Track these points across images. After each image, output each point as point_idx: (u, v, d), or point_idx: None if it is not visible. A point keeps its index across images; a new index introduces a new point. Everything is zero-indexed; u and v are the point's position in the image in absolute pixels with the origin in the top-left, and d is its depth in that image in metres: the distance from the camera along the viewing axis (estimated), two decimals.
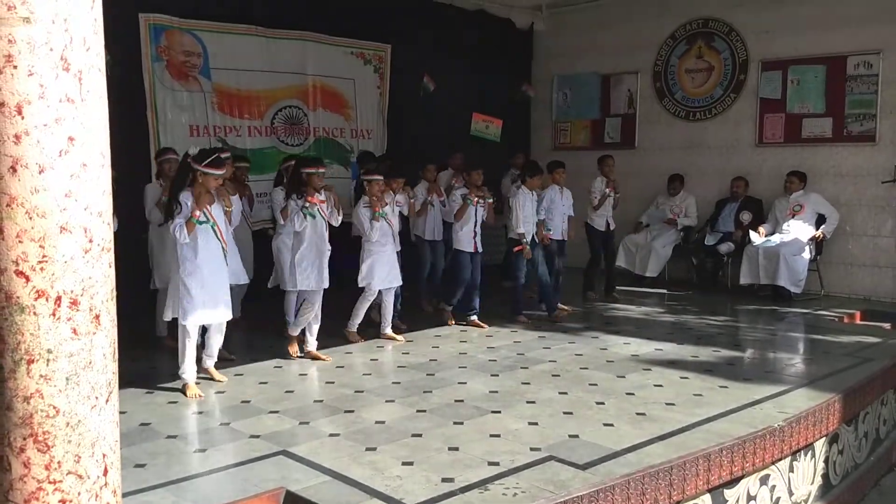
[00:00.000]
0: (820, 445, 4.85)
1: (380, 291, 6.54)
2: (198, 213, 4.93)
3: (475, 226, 7.16)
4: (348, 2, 8.76)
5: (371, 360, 6.03)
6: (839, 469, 5.15)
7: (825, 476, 4.98)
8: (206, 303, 5.04)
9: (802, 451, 4.66)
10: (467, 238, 7.16)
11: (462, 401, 4.94)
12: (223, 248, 5.18)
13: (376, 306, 6.79)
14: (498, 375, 5.55)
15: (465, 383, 5.36)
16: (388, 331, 6.66)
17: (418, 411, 4.73)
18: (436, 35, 9.48)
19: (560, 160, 8.23)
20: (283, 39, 8.37)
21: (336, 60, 8.89)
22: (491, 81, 10.14)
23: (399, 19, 9.21)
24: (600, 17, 10.49)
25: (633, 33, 10.20)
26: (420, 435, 4.29)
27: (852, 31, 8.50)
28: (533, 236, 7.42)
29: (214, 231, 5.10)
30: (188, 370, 5.09)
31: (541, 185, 7.55)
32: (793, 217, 8.54)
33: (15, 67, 2.08)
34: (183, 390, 5.06)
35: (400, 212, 6.91)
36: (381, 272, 6.44)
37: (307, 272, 5.90)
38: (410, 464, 3.87)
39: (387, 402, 4.94)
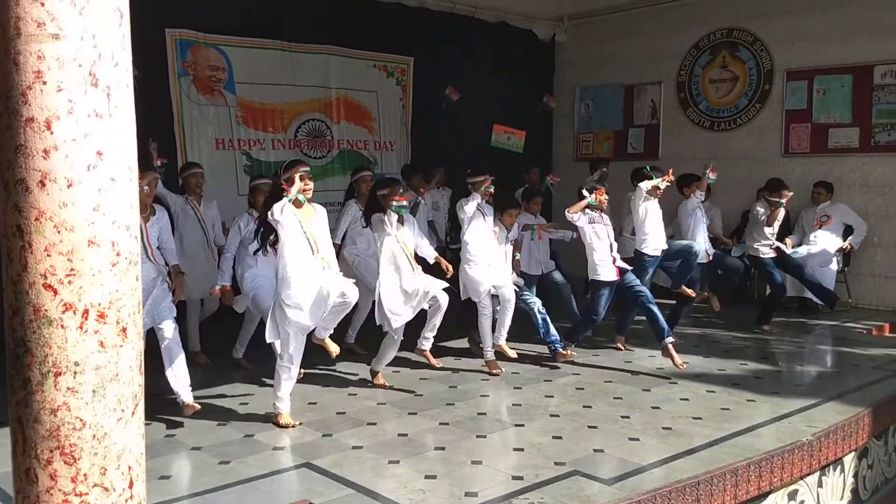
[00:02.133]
0: (849, 460, 4.77)
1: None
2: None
3: (612, 250, 6.06)
4: (370, 15, 8.82)
5: (393, 372, 6.01)
6: (869, 484, 5.06)
7: (854, 491, 4.89)
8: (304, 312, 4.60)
9: (831, 466, 4.58)
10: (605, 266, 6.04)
11: (485, 414, 4.92)
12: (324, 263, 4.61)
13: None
14: (521, 388, 5.51)
15: (488, 396, 5.33)
16: (502, 344, 6.07)
17: (441, 424, 4.71)
18: (458, 47, 9.50)
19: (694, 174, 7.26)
20: (307, 53, 8.44)
21: (359, 73, 8.94)
22: (513, 93, 10.14)
23: (421, 32, 9.26)
24: (622, 28, 10.47)
25: (655, 44, 10.16)
26: (443, 448, 4.27)
27: (878, 41, 8.39)
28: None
29: (312, 248, 4.56)
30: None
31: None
32: (820, 228, 8.43)
33: (44, 83, 2.11)
34: (275, 421, 4.71)
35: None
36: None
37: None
38: (434, 477, 3.85)
39: (409, 414, 4.92)
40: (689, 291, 6.60)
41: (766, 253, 7.48)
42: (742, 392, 5.38)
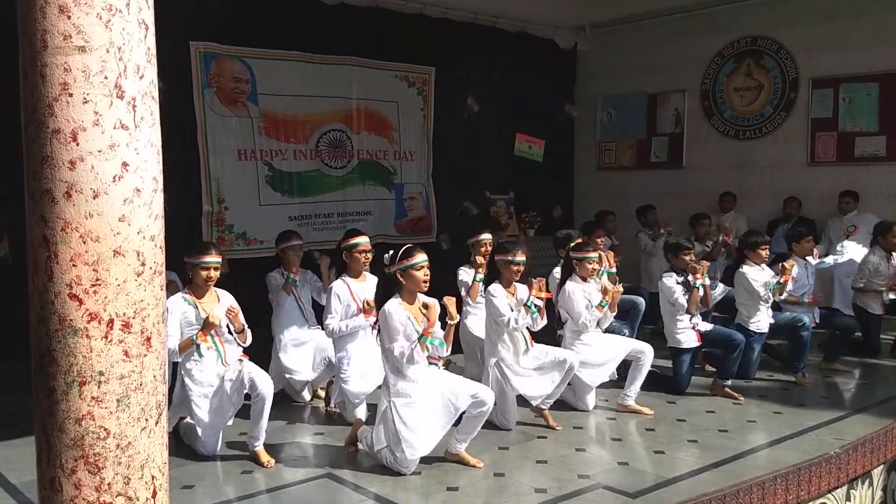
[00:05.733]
0: (878, 473, 4.68)
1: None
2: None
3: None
4: (392, 26, 8.85)
5: None
6: None
7: None
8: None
9: (860, 479, 4.50)
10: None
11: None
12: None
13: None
14: None
15: None
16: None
17: None
18: (479, 57, 9.51)
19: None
20: (329, 65, 8.48)
21: (380, 84, 8.96)
22: (535, 102, 10.13)
23: (442, 42, 9.26)
24: (645, 37, 10.41)
25: (679, 52, 10.10)
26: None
27: None
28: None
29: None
30: None
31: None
32: (847, 238, 8.31)
33: (70, 95, 2.13)
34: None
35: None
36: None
37: None
38: (455, 489, 3.83)
39: None
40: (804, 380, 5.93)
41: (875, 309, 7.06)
42: (769, 404, 5.31)
